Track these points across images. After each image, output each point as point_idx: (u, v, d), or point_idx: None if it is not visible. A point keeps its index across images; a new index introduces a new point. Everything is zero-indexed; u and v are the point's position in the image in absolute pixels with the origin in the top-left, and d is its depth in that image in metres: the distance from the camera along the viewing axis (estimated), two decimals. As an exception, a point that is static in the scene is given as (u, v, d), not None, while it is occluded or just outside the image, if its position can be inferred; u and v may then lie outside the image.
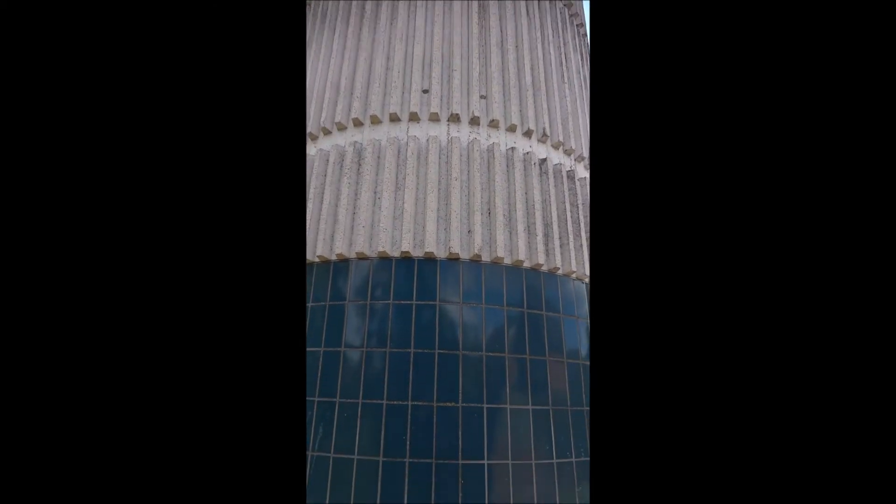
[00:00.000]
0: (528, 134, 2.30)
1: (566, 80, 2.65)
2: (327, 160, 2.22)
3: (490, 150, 2.18)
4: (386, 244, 1.95)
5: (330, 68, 2.44)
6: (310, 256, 2.06)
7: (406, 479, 1.67)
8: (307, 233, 2.09)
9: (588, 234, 2.34)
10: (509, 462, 1.73)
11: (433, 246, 1.94)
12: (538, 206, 2.16)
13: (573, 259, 2.18)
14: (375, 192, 2.07)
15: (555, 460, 1.80)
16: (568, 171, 2.39)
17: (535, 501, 1.72)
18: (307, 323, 1.97)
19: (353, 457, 1.70)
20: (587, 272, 2.26)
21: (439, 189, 2.06)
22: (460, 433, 1.72)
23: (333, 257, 2.02)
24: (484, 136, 2.22)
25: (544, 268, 2.08)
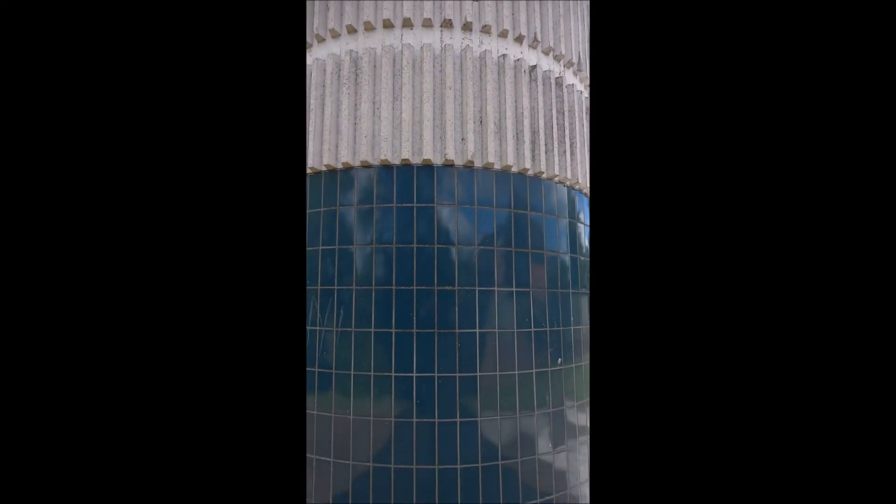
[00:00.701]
0: (519, 39, 2.36)
1: (559, -23, 2.60)
2: (324, 70, 2.30)
3: (482, 57, 2.26)
4: (387, 153, 2.15)
5: (318, -32, 2.38)
6: (317, 165, 2.26)
7: (415, 347, 2.09)
8: (315, 142, 2.26)
9: (571, 141, 2.53)
10: (496, 331, 2.15)
11: (430, 153, 2.14)
12: (527, 112, 2.32)
13: (556, 164, 2.40)
14: (374, 103, 2.21)
15: (532, 329, 2.23)
16: (556, 78, 2.50)
17: (517, 360, 2.18)
18: (321, 226, 2.24)
19: (370, 330, 2.10)
20: (569, 176, 2.50)
21: (434, 99, 2.19)
22: (457, 310, 2.10)
23: (339, 165, 2.22)
24: (476, 42, 2.28)
25: (530, 172, 2.31)
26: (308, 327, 2.24)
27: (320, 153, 2.26)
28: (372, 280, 2.13)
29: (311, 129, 2.29)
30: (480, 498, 2.03)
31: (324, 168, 2.25)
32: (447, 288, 2.12)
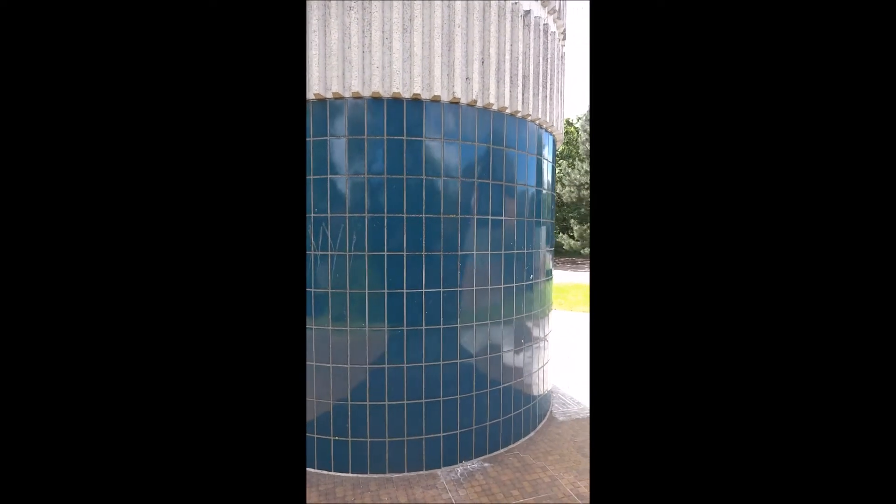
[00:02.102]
0: (515, -19, 2.49)
1: (550, -81, 2.70)
2: (327, -12, 2.22)
3: (486, -3, 2.37)
4: (398, 85, 2.24)
5: None
6: (323, 92, 2.26)
7: (405, 266, 2.37)
8: (319, 68, 2.24)
9: (551, 85, 2.81)
10: (474, 253, 2.52)
11: (420, 89, 2.28)
12: (521, 57, 2.53)
13: (537, 105, 2.69)
14: (383, 32, 2.23)
15: (503, 252, 2.65)
16: (544, 25, 2.70)
17: (489, 278, 2.60)
18: (328, 154, 2.31)
19: (363, 253, 2.32)
20: (544, 117, 2.81)
21: (443, 35, 2.28)
22: (441, 234, 2.41)
23: (329, 95, 2.25)
24: (480, -20, 2.37)
25: (508, 111, 2.57)
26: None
27: (327, 79, 2.25)
28: (365, 208, 2.31)
29: (314, 54, 2.25)
30: (458, 387, 2.51)
31: (330, 96, 2.27)
32: (433, 215, 2.40)
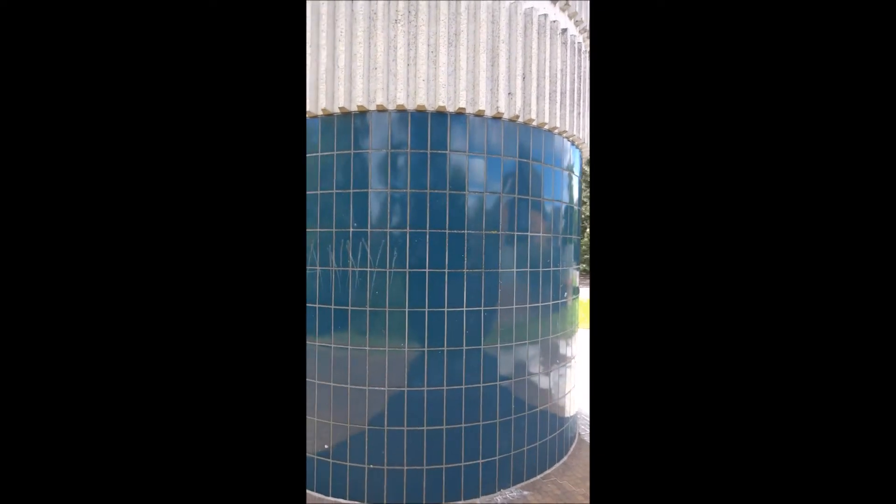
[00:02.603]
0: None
1: (584, -58, 2.75)
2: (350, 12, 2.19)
3: (528, 14, 2.37)
4: (443, 98, 2.20)
5: None
6: (367, 105, 2.21)
7: (427, 282, 2.30)
8: (363, 80, 2.19)
9: (582, 100, 2.82)
10: (499, 270, 2.46)
11: (484, 104, 2.25)
12: (558, 74, 2.53)
13: (574, 122, 2.69)
14: (429, 45, 2.20)
15: (528, 269, 2.59)
16: (578, 44, 2.72)
17: (514, 299, 2.53)
18: (369, 166, 2.24)
19: (386, 270, 2.24)
20: (576, 133, 2.81)
21: (487, 51, 2.27)
22: (483, 250, 2.35)
23: (392, 107, 2.20)
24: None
25: (535, 123, 2.56)
26: (319, 267, 2.28)
27: (372, 91, 2.20)
28: (387, 223, 2.23)
29: (321, 69, 2.20)
30: (498, 410, 2.41)
31: (355, 109, 2.21)
32: (475, 232, 2.34)
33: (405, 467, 2.25)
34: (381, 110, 2.22)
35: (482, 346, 2.35)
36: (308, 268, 2.35)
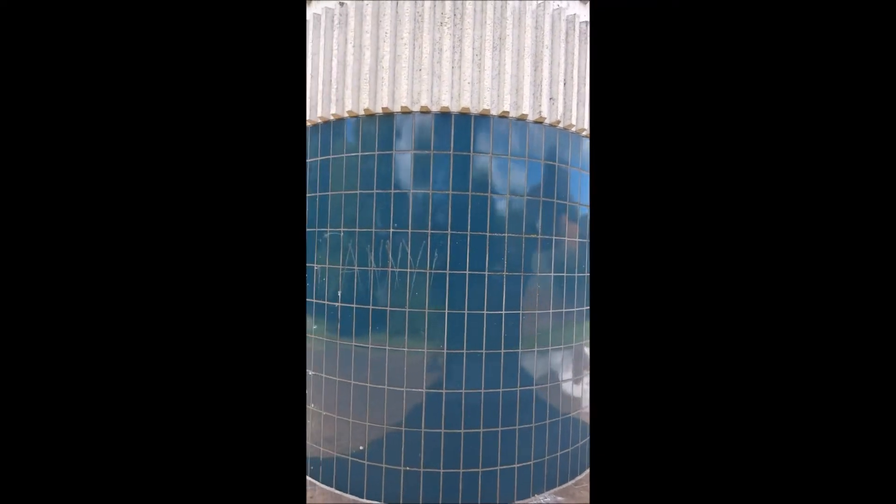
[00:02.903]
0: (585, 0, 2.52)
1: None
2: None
3: (571, 20, 2.39)
4: (487, 101, 2.21)
5: None
6: (411, 106, 2.21)
7: (466, 284, 2.29)
8: (408, 81, 2.19)
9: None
10: (537, 274, 2.46)
11: (527, 108, 2.26)
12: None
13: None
14: (474, 49, 2.21)
15: (552, 274, 2.59)
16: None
17: (551, 303, 2.53)
18: (411, 167, 2.24)
19: (426, 271, 2.24)
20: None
21: (532, 55, 2.28)
22: (523, 254, 2.35)
23: (436, 109, 2.21)
24: (564, 3, 2.39)
25: (561, 125, 2.57)
26: (358, 268, 2.28)
27: (417, 93, 2.21)
28: (428, 224, 2.23)
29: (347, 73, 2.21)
30: (534, 415, 2.40)
31: (418, 110, 2.22)
32: (515, 235, 2.34)
33: (441, 470, 2.24)
34: (425, 112, 2.23)
35: (519, 350, 2.35)
36: (345, 268, 2.34)
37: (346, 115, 2.33)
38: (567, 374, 2.56)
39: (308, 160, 2.52)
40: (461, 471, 2.24)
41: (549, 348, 2.46)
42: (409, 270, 2.24)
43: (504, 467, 2.31)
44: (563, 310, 2.53)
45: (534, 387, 2.39)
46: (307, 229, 2.51)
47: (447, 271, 2.23)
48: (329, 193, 2.41)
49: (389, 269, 2.26)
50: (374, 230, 2.28)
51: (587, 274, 2.73)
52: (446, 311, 2.24)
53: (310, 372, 2.50)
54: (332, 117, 2.38)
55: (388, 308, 2.26)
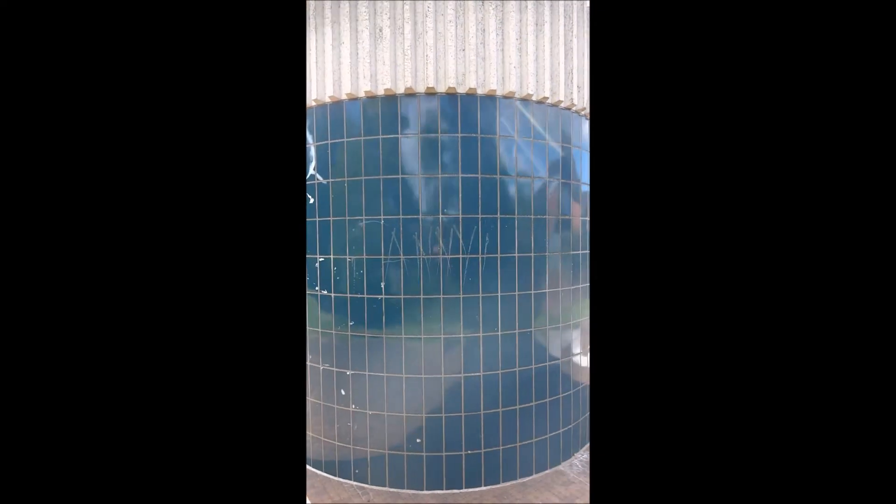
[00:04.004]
0: None
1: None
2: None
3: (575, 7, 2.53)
4: (530, 86, 2.25)
5: None
6: (458, 87, 2.15)
7: (516, 266, 2.40)
8: (455, 61, 2.12)
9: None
10: (531, 254, 2.66)
11: (562, 94, 2.36)
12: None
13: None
14: (516, 33, 2.22)
15: (547, 253, 2.83)
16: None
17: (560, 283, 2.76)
18: (458, 152, 2.19)
19: (478, 256, 2.29)
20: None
21: (563, 44, 2.37)
22: (569, 236, 2.51)
23: (483, 91, 2.18)
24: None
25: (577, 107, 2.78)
26: (404, 256, 2.20)
27: (463, 74, 2.14)
28: (478, 209, 2.26)
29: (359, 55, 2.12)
30: (560, 387, 2.60)
31: (443, 91, 2.16)
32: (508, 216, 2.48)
33: (501, 447, 2.30)
34: (471, 94, 2.19)
35: (560, 325, 2.49)
36: (389, 257, 2.22)
37: (305, 107, 2.17)
38: (580, 349, 2.77)
39: (365, 138, 2.28)
40: (518, 444, 2.34)
41: (560, 325, 2.60)
42: (461, 256, 2.21)
43: (552, 434, 2.46)
44: (571, 287, 2.69)
45: (571, 357, 2.57)
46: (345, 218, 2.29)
47: (498, 255, 2.26)
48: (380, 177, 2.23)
49: (441, 257, 2.20)
50: (420, 217, 2.19)
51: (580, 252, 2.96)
52: (498, 294, 2.25)
53: (348, 372, 2.34)
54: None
55: (441, 296, 2.19)
